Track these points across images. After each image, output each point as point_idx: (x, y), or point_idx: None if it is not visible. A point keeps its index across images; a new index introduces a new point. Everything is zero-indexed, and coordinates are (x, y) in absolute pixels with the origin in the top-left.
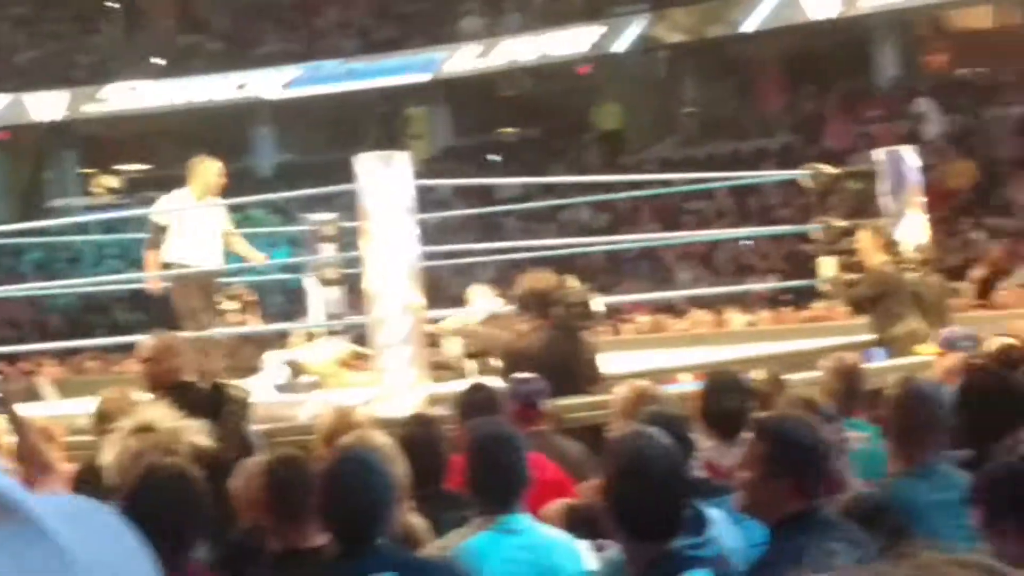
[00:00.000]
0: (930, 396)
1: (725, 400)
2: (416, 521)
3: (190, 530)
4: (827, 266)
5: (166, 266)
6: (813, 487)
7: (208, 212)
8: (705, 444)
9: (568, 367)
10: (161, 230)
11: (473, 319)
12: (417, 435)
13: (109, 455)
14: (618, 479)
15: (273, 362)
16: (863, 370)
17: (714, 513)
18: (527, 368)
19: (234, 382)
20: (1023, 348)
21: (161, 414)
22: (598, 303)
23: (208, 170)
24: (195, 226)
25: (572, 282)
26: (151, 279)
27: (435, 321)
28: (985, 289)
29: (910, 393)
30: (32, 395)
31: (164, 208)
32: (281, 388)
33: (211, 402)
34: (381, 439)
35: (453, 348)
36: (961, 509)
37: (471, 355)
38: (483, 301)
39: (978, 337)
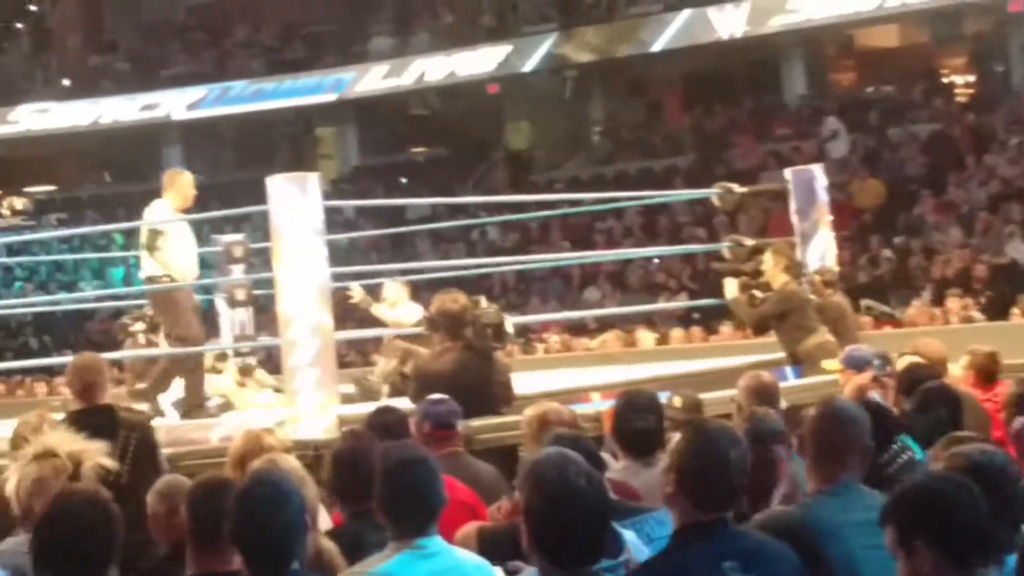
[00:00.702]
0: (848, 416)
1: (638, 419)
2: (329, 546)
3: (102, 556)
4: (730, 287)
5: (151, 279)
6: (716, 499)
7: (186, 226)
8: (616, 464)
9: (481, 388)
10: (158, 236)
11: (406, 318)
12: (350, 451)
13: (11, 483)
14: (542, 506)
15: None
16: (779, 388)
17: (628, 535)
18: (439, 389)
19: (140, 405)
20: (930, 366)
21: (61, 438)
22: (510, 324)
23: (186, 182)
24: (180, 239)
25: (484, 303)
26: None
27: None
28: None
29: (828, 412)
30: None
31: (157, 217)
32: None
33: (109, 425)
34: (292, 462)
35: (383, 366)
36: (875, 529)
37: (401, 374)
38: (405, 301)
39: (886, 355)
